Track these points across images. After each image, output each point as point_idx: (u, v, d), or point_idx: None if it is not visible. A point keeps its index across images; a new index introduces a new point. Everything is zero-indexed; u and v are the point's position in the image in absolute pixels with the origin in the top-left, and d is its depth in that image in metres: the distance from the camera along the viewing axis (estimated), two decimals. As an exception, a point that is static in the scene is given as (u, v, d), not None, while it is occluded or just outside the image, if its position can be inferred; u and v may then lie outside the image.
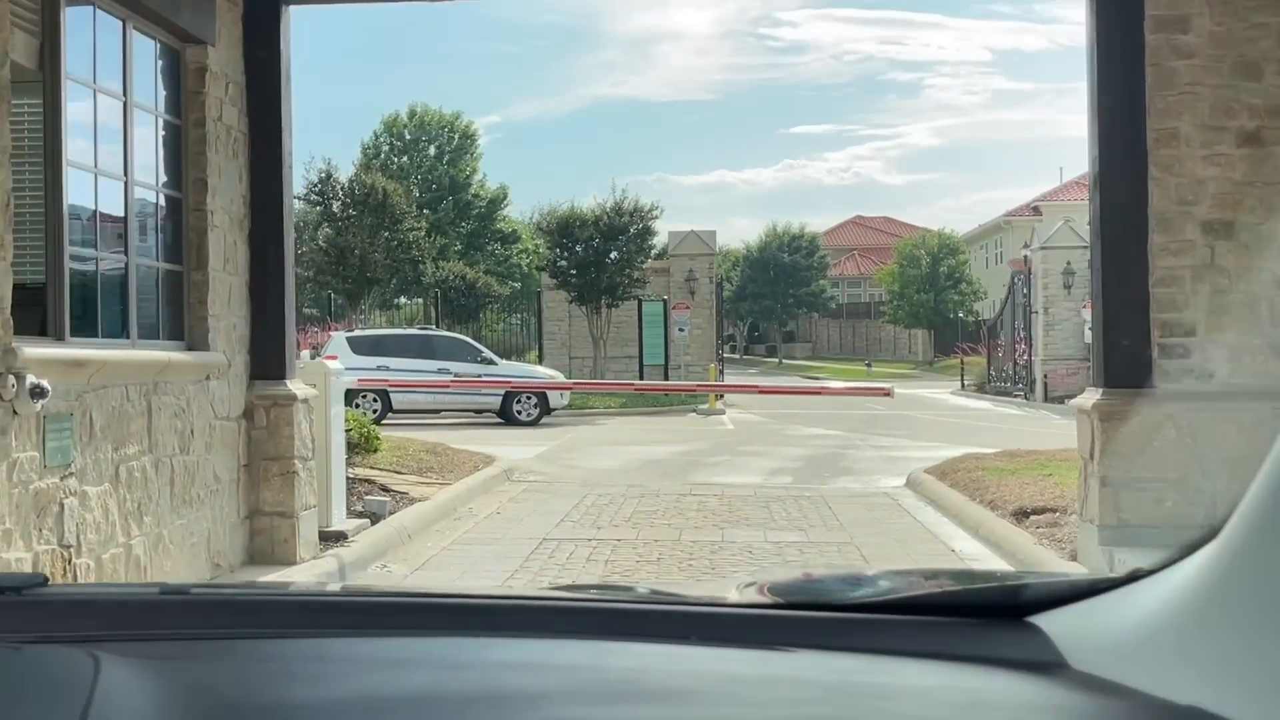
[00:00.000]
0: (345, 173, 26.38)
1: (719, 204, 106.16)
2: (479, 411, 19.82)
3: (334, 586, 4.04)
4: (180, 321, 6.44)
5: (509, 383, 19.80)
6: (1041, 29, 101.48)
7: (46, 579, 1.25)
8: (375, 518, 8.26)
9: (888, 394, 12.49)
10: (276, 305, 7.11)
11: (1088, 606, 0.99)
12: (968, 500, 9.37)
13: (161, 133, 6.35)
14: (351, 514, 8.14)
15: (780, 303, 54.59)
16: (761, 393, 9.93)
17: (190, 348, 6.38)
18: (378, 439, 10.00)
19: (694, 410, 22.87)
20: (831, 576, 1.86)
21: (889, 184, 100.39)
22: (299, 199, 25.03)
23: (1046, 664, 0.95)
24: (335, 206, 25.08)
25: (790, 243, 56.93)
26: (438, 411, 19.64)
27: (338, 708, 0.91)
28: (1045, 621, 1.01)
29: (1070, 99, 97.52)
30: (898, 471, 12.24)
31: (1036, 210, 49.70)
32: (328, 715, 0.90)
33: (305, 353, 24.25)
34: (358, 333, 20.87)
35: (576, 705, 0.92)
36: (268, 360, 7.04)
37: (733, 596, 1.34)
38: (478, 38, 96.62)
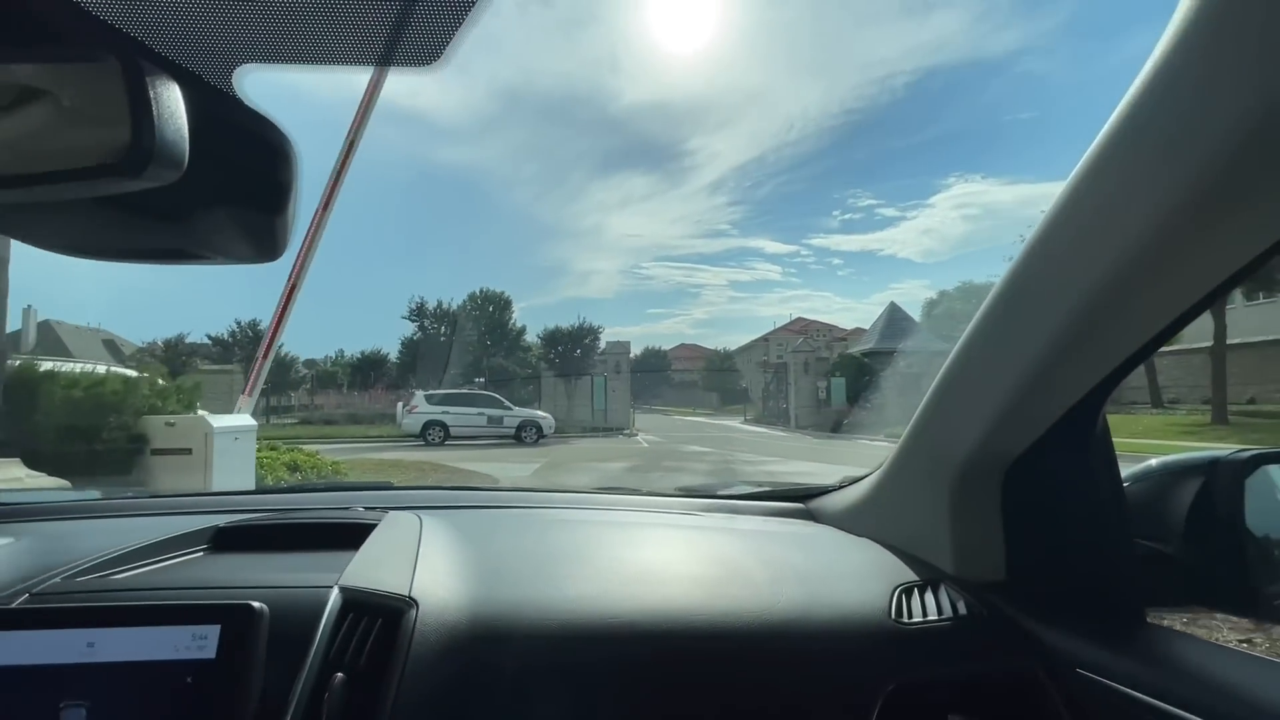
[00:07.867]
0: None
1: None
2: (501, 436, 24.44)
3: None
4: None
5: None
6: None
7: None
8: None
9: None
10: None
11: (829, 497, 1.98)
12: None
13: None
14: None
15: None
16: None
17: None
18: (335, 465, 9.94)
19: (620, 434, 29.28)
20: (720, 483, 2.70)
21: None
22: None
23: (813, 520, 1.95)
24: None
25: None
26: (476, 437, 24.21)
27: None
28: (812, 504, 2.02)
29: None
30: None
31: (765, 339, 68.62)
32: None
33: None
34: (431, 391, 26.20)
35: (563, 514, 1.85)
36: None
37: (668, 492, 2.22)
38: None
